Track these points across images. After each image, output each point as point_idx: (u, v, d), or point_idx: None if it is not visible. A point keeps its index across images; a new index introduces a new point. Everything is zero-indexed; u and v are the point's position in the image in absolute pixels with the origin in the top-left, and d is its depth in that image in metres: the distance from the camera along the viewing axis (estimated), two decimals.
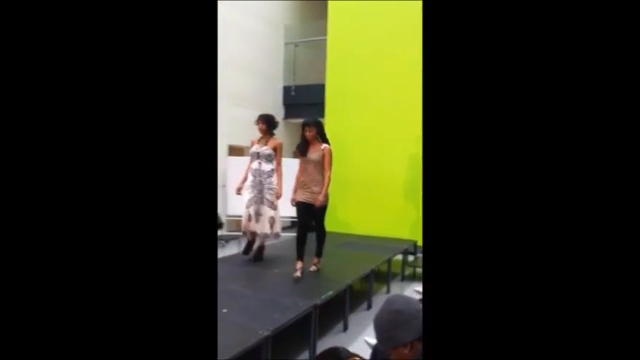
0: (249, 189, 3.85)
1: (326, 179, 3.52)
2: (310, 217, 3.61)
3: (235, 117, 6.90)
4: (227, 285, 3.14)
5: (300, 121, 8.42)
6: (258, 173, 3.83)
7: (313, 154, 3.54)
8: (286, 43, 8.04)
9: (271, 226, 3.88)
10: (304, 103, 7.49)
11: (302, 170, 3.63)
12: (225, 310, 2.56)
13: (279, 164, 3.86)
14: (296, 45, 7.98)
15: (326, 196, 3.51)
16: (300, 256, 3.51)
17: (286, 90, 7.92)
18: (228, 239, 5.83)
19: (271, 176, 3.83)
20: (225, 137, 6.78)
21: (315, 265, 3.70)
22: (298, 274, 3.41)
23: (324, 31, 6.66)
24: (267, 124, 3.88)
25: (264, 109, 5.83)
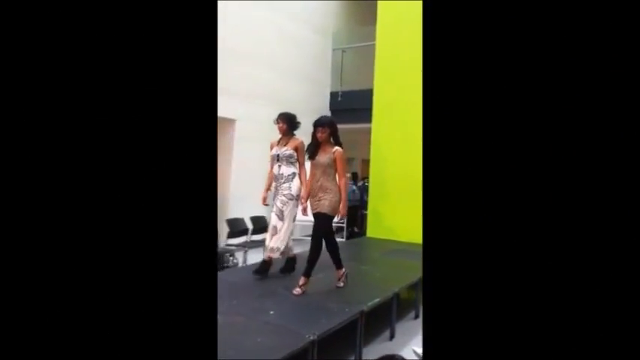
0: (274, 198, 3.48)
1: (342, 187, 3.13)
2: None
3: None
4: (273, 287, 3.16)
5: (347, 126, 8.35)
6: (277, 178, 3.45)
7: (322, 157, 3.13)
8: (334, 49, 8.07)
9: (271, 238, 3.41)
10: (351, 109, 7.48)
11: (311, 176, 3.23)
12: (272, 312, 2.58)
13: (302, 166, 3.46)
14: (344, 51, 8.00)
15: (345, 207, 3.13)
16: (338, 264, 3.27)
17: (333, 96, 7.95)
18: None
19: (289, 181, 3.40)
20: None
21: (300, 287, 3.04)
22: (341, 283, 3.25)
23: (372, 36, 6.63)
24: (288, 123, 3.48)
25: (310, 115, 5.85)
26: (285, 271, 3.57)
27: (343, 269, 3.30)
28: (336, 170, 3.13)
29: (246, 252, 5.09)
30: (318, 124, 3.16)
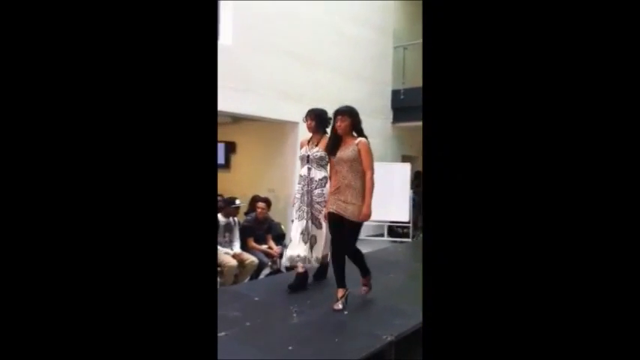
0: (297, 201, 3.11)
1: (367, 183, 2.70)
2: (342, 233, 2.77)
3: None
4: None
5: (410, 124, 8.18)
6: (306, 182, 3.06)
7: (345, 151, 2.73)
8: (395, 47, 7.98)
9: (311, 248, 3.05)
10: (413, 106, 7.35)
11: (334, 174, 2.83)
12: (346, 313, 2.60)
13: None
14: (405, 48, 7.88)
15: (368, 209, 2.68)
16: (340, 282, 2.74)
17: (395, 94, 7.85)
18: None
19: (322, 186, 3.02)
20: None
21: (365, 285, 2.94)
22: (339, 305, 2.66)
23: None
24: (317, 120, 3.07)
25: (372, 114, 5.79)
26: (319, 278, 3.32)
27: (344, 290, 2.75)
28: (362, 164, 2.74)
29: None
30: (337, 113, 2.78)
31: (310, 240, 3.07)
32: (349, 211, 2.70)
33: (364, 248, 3.96)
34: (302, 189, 3.08)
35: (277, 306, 2.72)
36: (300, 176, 3.12)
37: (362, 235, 3.20)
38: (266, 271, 4.33)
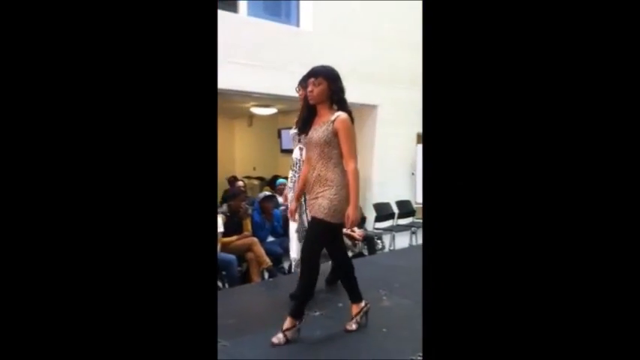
0: (290, 191, 2.64)
1: (351, 179, 1.90)
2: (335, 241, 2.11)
3: None
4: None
5: None
6: (298, 165, 2.52)
7: (317, 130, 1.95)
8: None
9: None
10: None
11: (307, 162, 2.08)
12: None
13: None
14: None
15: (355, 210, 1.91)
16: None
17: None
18: (419, 226, 5.87)
19: None
20: (414, 126, 6.80)
21: (355, 316, 2.13)
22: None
23: None
24: None
25: None
26: (331, 282, 2.84)
27: (294, 321, 2.00)
28: (340, 152, 1.95)
29: (393, 236, 5.17)
30: (311, 74, 1.98)
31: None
32: (317, 206, 1.93)
33: None
34: (294, 176, 2.52)
35: (365, 289, 2.77)
36: (293, 159, 2.54)
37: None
38: (349, 254, 4.41)
